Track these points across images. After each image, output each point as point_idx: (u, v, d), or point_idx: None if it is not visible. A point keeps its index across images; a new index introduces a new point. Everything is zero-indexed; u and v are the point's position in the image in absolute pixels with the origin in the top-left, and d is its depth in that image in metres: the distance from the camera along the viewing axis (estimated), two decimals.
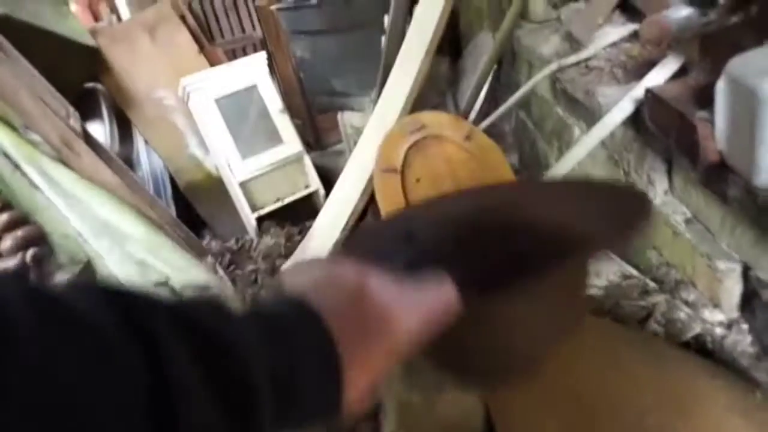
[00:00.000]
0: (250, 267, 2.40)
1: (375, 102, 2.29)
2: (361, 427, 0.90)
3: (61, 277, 1.84)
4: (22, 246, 1.78)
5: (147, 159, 2.75)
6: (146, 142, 2.78)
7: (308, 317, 0.37)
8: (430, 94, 2.24)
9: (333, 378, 0.37)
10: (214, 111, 2.61)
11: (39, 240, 1.83)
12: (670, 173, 1.20)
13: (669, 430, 0.75)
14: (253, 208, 2.61)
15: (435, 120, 1.93)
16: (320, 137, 3.15)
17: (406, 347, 0.40)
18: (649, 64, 1.26)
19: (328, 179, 2.69)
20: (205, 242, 2.59)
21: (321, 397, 0.37)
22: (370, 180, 2.07)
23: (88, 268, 1.90)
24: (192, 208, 2.72)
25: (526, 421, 0.70)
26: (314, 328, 0.37)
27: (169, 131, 2.82)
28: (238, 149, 2.61)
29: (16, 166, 1.92)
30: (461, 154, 1.84)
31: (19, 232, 1.79)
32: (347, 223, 2.04)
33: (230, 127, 2.62)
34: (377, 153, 1.87)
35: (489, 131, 1.96)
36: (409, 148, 1.88)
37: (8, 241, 1.76)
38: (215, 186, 2.75)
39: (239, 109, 2.68)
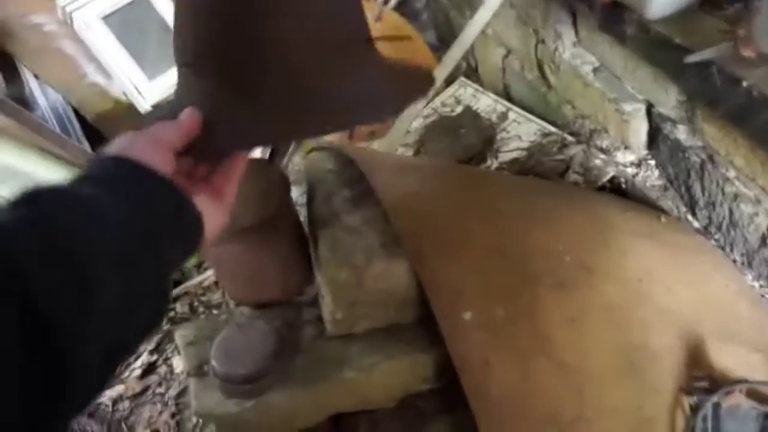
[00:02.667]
0: None
1: None
2: (302, 312, 0.93)
3: None
4: None
5: (43, 96, 2.52)
6: (36, 77, 2.53)
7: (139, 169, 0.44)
8: None
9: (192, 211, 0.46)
10: (105, 31, 2.37)
11: None
12: (576, 25, 1.19)
13: (586, 263, 0.82)
14: None
15: None
16: None
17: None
18: None
19: None
20: None
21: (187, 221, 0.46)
22: None
23: None
24: (107, 140, 2.55)
25: (453, 280, 0.74)
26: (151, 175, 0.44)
27: (60, 61, 2.55)
28: (142, 70, 2.41)
29: None
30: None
31: None
32: None
33: (128, 47, 2.41)
34: None
35: (400, 11, 1.88)
36: None
37: None
38: (129, 113, 2.57)
39: (134, 25, 2.45)
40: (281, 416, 0.85)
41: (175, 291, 1.85)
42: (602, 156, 1.13)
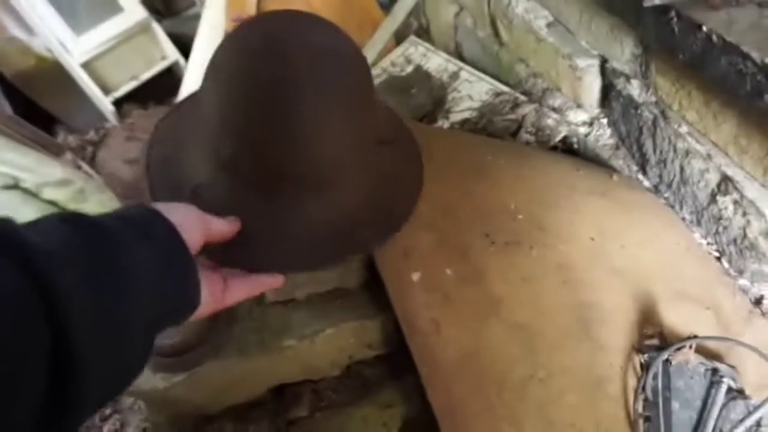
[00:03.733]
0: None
1: None
2: None
3: None
4: None
5: None
6: None
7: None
8: None
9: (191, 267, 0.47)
10: None
11: None
12: None
13: (539, 222, 0.78)
14: (106, 91, 2.30)
15: None
16: (170, 2, 2.75)
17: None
18: None
19: (188, 48, 2.41)
20: (60, 138, 2.28)
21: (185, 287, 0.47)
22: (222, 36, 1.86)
23: None
24: (32, 102, 2.35)
25: (400, 239, 0.69)
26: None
27: None
28: (68, 24, 2.22)
29: None
30: None
31: None
32: None
33: (53, 0, 2.20)
34: (229, 3, 1.66)
35: None
36: None
37: None
38: (54, 72, 2.36)
39: None
40: (215, 390, 0.79)
41: None
42: (554, 115, 1.10)
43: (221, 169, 0.61)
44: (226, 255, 0.56)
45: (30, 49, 2.41)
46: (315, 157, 0.58)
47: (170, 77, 2.43)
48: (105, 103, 2.29)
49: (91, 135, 2.32)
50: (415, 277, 0.72)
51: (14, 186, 1.74)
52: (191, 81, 2.01)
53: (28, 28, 2.35)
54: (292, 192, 0.59)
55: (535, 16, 1.12)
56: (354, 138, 0.61)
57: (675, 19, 0.67)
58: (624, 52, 0.91)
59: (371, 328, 0.81)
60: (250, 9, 1.59)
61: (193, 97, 0.77)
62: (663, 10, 0.68)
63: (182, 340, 0.74)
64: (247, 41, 0.60)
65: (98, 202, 1.91)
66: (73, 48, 2.22)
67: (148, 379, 0.76)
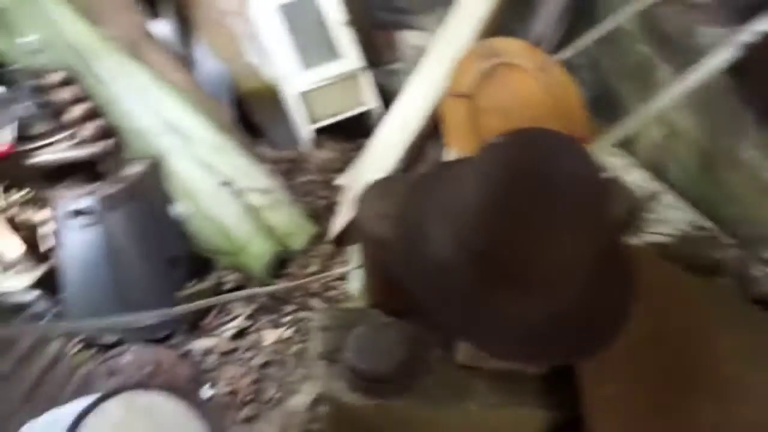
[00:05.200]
0: (305, 178, 2.45)
1: (442, 22, 2.22)
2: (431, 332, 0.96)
3: (132, 170, 1.91)
4: (100, 136, 1.84)
5: (207, 61, 2.74)
6: (206, 44, 2.76)
7: None
8: (504, 18, 2.15)
9: None
10: (276, 18, 2.56)
11: (113, 131, 1.89)
12: (762, 127, 1.16)
13: (747, 380, 0.79)
14: (311, 121, 2.62)
15: (509, 47, 1.86)
16: (377, 54, 3.08)
17: None
18: (760, 6, 1.19)
19: (385, 97, 2.67)
20: (259, 150, 2.63)
21: None
22: (432, 103, 2.05)
23: (156, 165, 1.97)
24: (248, 115, 2.74)
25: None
26: None
27: (227, 36, 2.78)
28: (298, 60, 2.58)
29: (88, 60, 1.94)
30: (534, 86, 1.79)
31: (97, 122, 1.85)
32: (407, 144, 2.04)
33: (291, 36, 2.58)
34: (448, 76, 1.83)
35: (563, 64, 1.90)
36: (481, 74, 1.84)
37: (88, 130, 1.82)
38: (272, 95, 2.74)
39: (301, 19, 2.62)
40: (396, 424, 0.88)
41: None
42: (765, 268, 1.09)
43: (466, 258, 0.73)
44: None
45: (259, 73, 2.82)
46: (550, 267, 0.68)
47: (364, 120, 2.70)
48: (307, 130, 2.60)
49: (287, 153, 2.63)
50: (609, 390, 0.77)
51: (228, 184, 2.04)
52: (389, 131, 2.23)
53: (262, 56, 2.77)
54: (520, 290, 0.70)
55: (764, 168, 1.13)
56: (585, 254, 0.70)
57: None
58: None
59: (544, 418, 0.86)
60: (470, 90, 1.75)
61: (443, 176, 0.91)
62: None
63: (384, 372, 0.85)
64: (513, 158, 0.72)
65: (288, 214, 2.16)
66: (296, 79, 2.58)
67: (347, 394, 0.87)
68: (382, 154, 2.18)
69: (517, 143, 0.75)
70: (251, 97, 2.78)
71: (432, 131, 2.01)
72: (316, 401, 1.27)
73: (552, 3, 2.04)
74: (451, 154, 1.81)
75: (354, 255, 1.85)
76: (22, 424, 1.23)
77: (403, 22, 2.60)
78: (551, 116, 1.70)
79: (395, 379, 0.86)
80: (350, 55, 2.64)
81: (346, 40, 2.61)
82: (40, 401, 1.36)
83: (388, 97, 2.69)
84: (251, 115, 2.76)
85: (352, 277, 1.80)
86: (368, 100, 2.67)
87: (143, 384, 1.61)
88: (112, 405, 1.34)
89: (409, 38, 2.57)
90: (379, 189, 1.06)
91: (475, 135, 1.77)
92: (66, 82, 1.86)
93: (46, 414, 1.29)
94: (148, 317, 1.66)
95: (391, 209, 0.92)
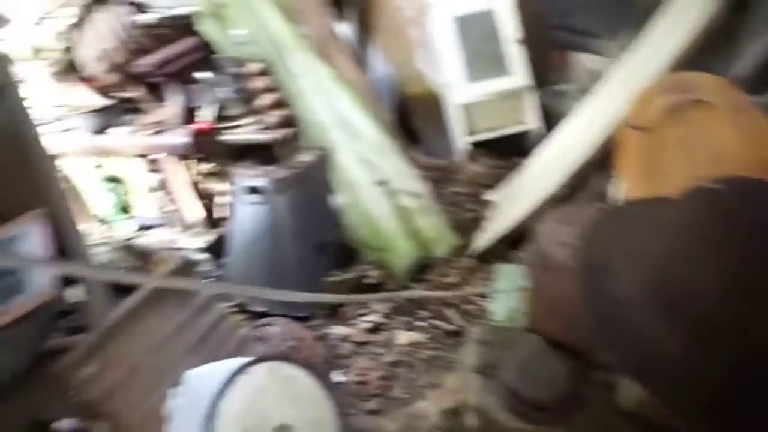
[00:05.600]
0: (454, 189, 2.48)
1: (624, 49, 2.12)
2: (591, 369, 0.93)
3: (303, 158, 2.08)
4: (283, 124, 2.04)
5: (378, 64, 2.89)
6: (380, 48, 2.91)
7: None
8: (700, 51, 2.00)
9: None
10: (451, 28, 2.62)
11: (293, 121, 2.08)
12: None
13: None
14: (468, 133, 2.64)
15: (702, 82, 1.73)
16: (546, 74, 3.02)
17: None
18: None
19: (544, 119, 2.62)
20: (414, 155, 2.70)
21: None
22: (604, 131, 1.96)
23: (325, 156, 2.13)
24: (407, 119, 2.83)
25: None
26: None
27: (403, 42, 2.90)
28: (466, 71, 2.62)
29: (283, 55, 2.15)
30: (727, 128, 1.65)
31: (282, 112, 2.05)
32: (570, 169, 1.97)
33: (463, 48, 2.63)
34: (628, 106, 1.75)
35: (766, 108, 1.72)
36: (666, 108, 1.73)
37: (274, 118, 2.02)
38: (434, 102, 2.81)
39: (475, 31, 2.65)
40: None
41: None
42: None
43: (656, 304, 0.68)
44: None
45: (425, 80, 2.91)
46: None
47: (521, 139, 2.67)
48: (463, 142, 2.63)
49: (440, 162, 2.69)
50: None
51: (384, 183, 2.13)
52: (550, 154, 2.18)
53: (431, 64, 2.85)
54: (726, 358, 0.64)
55: None
56: None
57: None
58: None
59: None
60: (651, 123, 1.66)
61: (636, 213, 0.87)
62: None
63: (545, 400, 0.84)
64: (732, 210, 0.65)
65: (434, 221, 2.21)
66: (461, 90, 2.62)
67: (498, 411, 0.88)
68: (539, 177, 2.14)
69: (736, 192, 0.70)
70: (413, 102, 2.88)
71: (600, 161, 1.92)
72: (455, 411, 1.30)
73: (762, 40, 1.86)
74: (619, 186, 1.73)
75: (500, 275, 1.84)
76: (186, 370, 1.41)
77: (580, 44, 2.52)
78: (746, 164, 1.55)
79: (554, 409, 0.85)
80: (518, 72, 2.62)
81: (516, 56, 2.60)
82: (203, 353, 1.52)
83: (550, 118, 2.63)
84: (410, 120, 2.86)
85: (497, 297, 1.80)
86: (530, 119, 2.63)
87: (287, 356, 1.76)
88: (261, 369, 1.49)
89: (584, 61, 2.49)
90: (560, 216, 1.05)
91: (651, 171, 1.68)
92: (262, 73, 2.08)
93: (206, 365, 1.46)
94: (300, 296, 1.79)
95: (571, 238, 0.91)
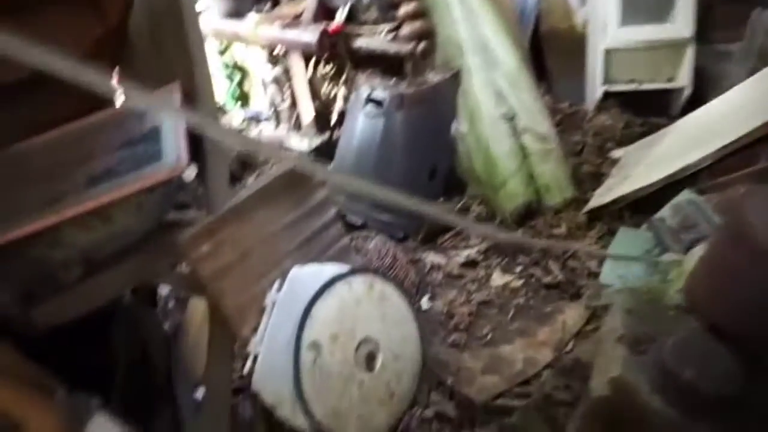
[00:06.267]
0: (577, 137, 2.31)
1: None
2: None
3: (432, 77, 1.97)
4: (415, 36, 1.91)
5: None
6: None
7: None
8: None
9: None
10: None
11: (429, 35, 1.95)
12: None
13: None
14: (604, 80, 2.41)
15: None
16: (714, 29, 2.65)
17: None
18: None
19: (698, 79, 2.33)
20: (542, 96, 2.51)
21: None
22: None
23: (455, 79, 2.00)
24: (541, 56, 2.62)
25: None
26: None
27: None
28: (620, 12, 2.34)
29: None
30: None
31: (417, 24, 1.92)
32: (730, 140, 1.73)
33: None
34: None
35: None
36: None
37: (407, 29, 1.90)
38: (575, 42, 2.57)
39: None
40: None
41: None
42: None
43: None
44: None
45: (571, 14, 2.65)
46: None
47: (664, 98, 2.40)
48: (597, 89, 2.41)
49: (565, 106, 2.49)
50: None
51: (511, 118, 1.99)
52: (701, 119, 1.95)
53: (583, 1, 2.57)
54: None
55: None
56: None
57: None
58: None
59: None
60: None
61: None
62: None
63: (711, 392, 0.75)
64: None
65: (553, 168, 2.05)
66: (609, 33, 2.35)
67: (644, 390, 0.80)
68: (682, 144, 1.92)
69: None
70: (552, 37, 2.64)
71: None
72: (570, 368, 1.23)
73: None
74: None
75: (619, 238, 1.71)
76: (291, 266, 1.42)
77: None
78: None
79: (715, 405, 0.76)
80: (680, 22, 2.31)
81: (685, 3, 2.29)
82: (309, 253, 1.53)
83: (704, 79, 2.34)
84: (545, 57, 2.64)
85: (608, 264, 1.68)
86: (682, 77, 2.35)
87: (384, 272, 1.75)
88: (359, 281, 1.49)
89: (766, 19, 2.15)
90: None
91: None
92: None
93: (311, 265, 1.47)
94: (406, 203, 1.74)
95: None
